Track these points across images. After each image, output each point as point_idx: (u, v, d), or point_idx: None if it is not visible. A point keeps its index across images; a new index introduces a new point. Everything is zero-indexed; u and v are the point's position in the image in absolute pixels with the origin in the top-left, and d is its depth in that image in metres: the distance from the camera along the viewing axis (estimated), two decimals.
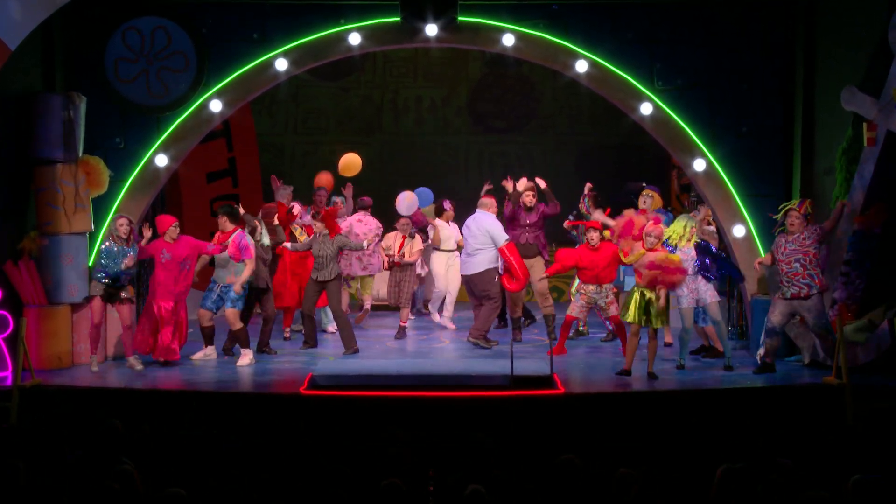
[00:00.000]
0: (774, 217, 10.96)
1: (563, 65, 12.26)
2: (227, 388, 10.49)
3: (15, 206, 11.50)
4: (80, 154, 11.60)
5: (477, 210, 12.47)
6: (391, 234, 13.43)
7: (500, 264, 12.34)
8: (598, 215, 11.99)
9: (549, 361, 10.15)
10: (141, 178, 12.11)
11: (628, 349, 10.74)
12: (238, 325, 11.64)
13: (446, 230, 13.66)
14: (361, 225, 13.58)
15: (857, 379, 9.94)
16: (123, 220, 11.19)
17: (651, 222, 10.77)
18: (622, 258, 10.94)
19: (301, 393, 9.98)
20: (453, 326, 13.71)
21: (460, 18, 12.05)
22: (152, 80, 12.11)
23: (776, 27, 12.17)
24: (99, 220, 11.85)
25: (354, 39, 12.12)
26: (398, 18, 12.02)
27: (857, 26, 11.16)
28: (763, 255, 11.36)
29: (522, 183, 12.77)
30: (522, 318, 12.99)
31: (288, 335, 13.11)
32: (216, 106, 12.15)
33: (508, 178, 12.92)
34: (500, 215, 12.57)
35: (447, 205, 13.87)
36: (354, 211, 13.89)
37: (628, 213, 11.39)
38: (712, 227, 12.09)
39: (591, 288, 11.58)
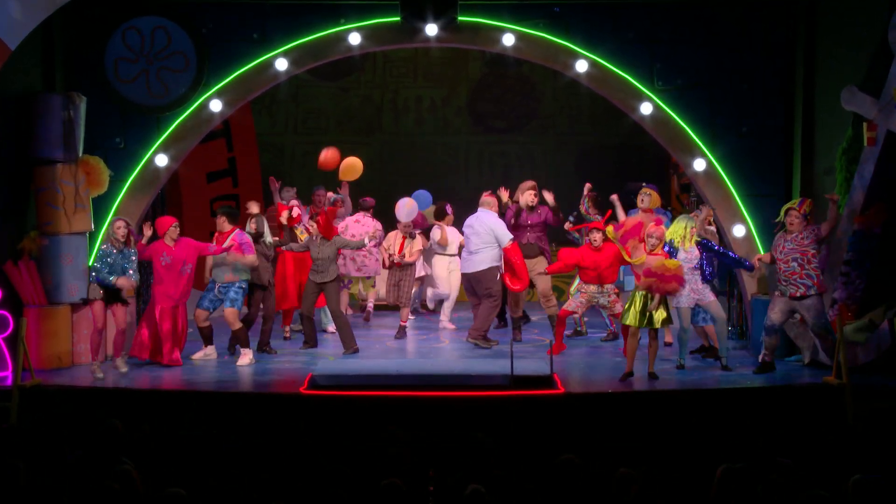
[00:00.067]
0: (776, 222, 10.96)
1: (564, 65, 12.26)
2: (227, 388, 10.49)
3: (15, 206, 11.50)
4: (80, 154, 11.60)
5: (479, 209, 12.47)
6: (392, 234, 13.43)
7: (500, 263, 12.33)
8: (620, 212, 12.05)
9: (549, 361, 10.15)
10: (141, 178, 12.11)
11: (628, 350, 10.73)
12: (237, 324, 11.63)
13: (439, 234, 13.63)
14: (359, 226, 13.58)
15: (857, 379, 9.94)
16: (121, 223, 11.15)
17: (653, 224, 10.76)
18: (625, 257, 10.93)
19: (301, 393, 9.97)
20: (453, 326, 13.71)
21: (460, 18, 12.05)
22: (152, 80, 12.11)
23: (777, 27, 12.17)
24: (99, 220, 11.85)
25: (354, 39, 12.13)
26: (398, 18, 12.02)
27: (858, 26, 11.16)
28: (764, 253, 11.35)
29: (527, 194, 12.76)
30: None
31: (288, 335, 13.11)
32: (216, 106, 12.15)
33: (502, 188, 12.93)
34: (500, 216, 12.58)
35: (449, 209, 13.87)
36: (355, 211, 13.90)
37: (639, 216, 11.41)
38: (712, 228, 12.08)
39: (593, 288, 11.57)
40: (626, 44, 12.19)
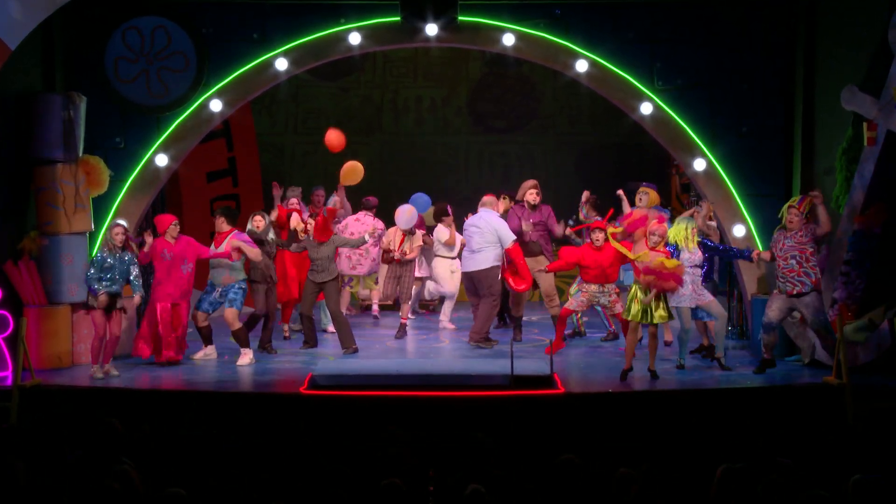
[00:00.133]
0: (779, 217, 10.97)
1: (564, 65, 12.26)
2: (227, 388, 10.49)
3: (15, 206, 11.50)
4: (80, 154, 11.60)
5: (481, 209, 12.45)
6: (391, 230, 13.41)
7: (500, 263, 12.32)
8: (626, 206, 12.09)
9: (549, 361, 10.15)
10: (141, 178, 12.11)
11: (627, 346, 10.74)
12: (237, 324, 11.63)
13: (445, 234, 13.60)
14: (359, 224, 13.60)
15: (857, 379, 9.94)
16: (119, 229, 11.10)
17: (655, 221, 10.76)
18: (627, 254, 10.93)
19: (301, 393, 9.97)
20: (453, 326, 13.71)
21: (460, 18, 12.05)
22: (152, 80, 12.11)
23: (777, 27, 12.17)
24: (99, 220, 11.86)
25: (354, 39, 12.13)
26: (398, 18, 12.02)
27: (858, 26, 11.16)
28: (763, 251, 11.34)
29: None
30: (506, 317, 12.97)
31: (287, 334, 13.11)
32: (216, 106, 12.15)
33: (504, 197, 12.93)
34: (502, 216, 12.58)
35: (449, 209, 13.86)
36: (358, 210, 13.91)
37: (644, 210, 11.41)
38: (713, 223, 12.10)
39: (594, 287, 11.56)
40: (626, 44, 12.19)
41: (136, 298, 11.16)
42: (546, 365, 10.16)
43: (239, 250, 11.54)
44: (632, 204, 12.32)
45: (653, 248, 10.57)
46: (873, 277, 10.83)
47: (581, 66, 12.13)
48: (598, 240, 11.48)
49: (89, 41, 12.09)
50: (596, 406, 9.77)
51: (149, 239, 11.44)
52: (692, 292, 10.88)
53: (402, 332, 13.14)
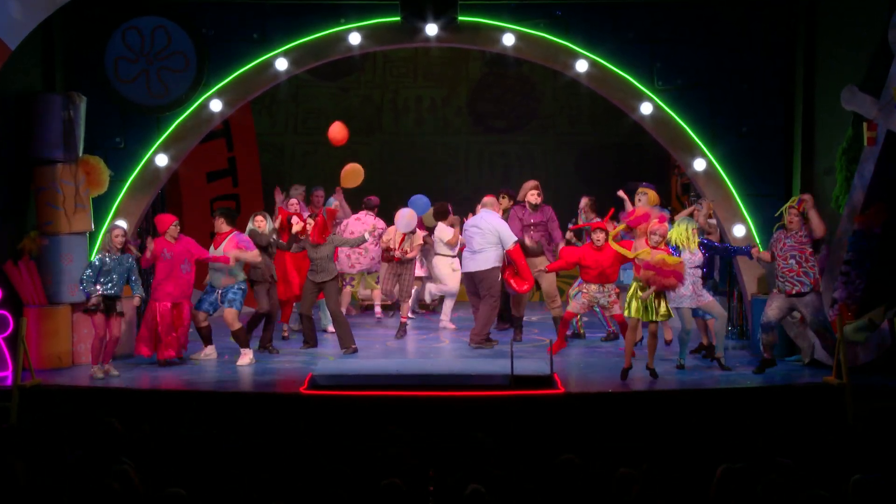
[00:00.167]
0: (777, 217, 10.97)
1: (564, 65, 12.27)
2: (227, 388, 10.48)
3: (15, 206, 11.50)
4: (80, 154, 11.60)
5: (482, 210, 12.43)
6: (391, 229, 13.39)
7: (501, 264, 12.31)
8: (628, 205, 12.07)
9: (549, 361, 10.14)
10: (141, 178, 12.12)
11: (626, 343, 10.75)
12: (236, 325, 11.63)
13: (448, 234, 13.60)
14: (359, 223, 13.60)
15: (857, 379, 9.94)
16: (119, 232, 11.07)
17: (656, 220, 10.75)
18: (625, 253, 10.92)
19: (301, 393, 9.97)
20: (453, 326, 13.70)
21: (460, 18, 12.05)
22: (152, 80, 12.11)
23: (777, 27, 12.17)
24: (99, 220, 11.86)
25: (354, 39, 12.13)
26: (398, 18, 12.02)
27: (858, 26, 11.16)
28: (763, 251, 11.33)
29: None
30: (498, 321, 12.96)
31: (286, 334, 13.11)
32: (216, 106, 12.15)
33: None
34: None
35: (450, 208, 13.87)
36: (359, 210, 13.91)
37: (647, 208, 11.40)
38: (713, 221, 12.10)
39: (594, 287, 11.56)
40: (626, 44, 12.19)
41: (136, 300, 11.17)
42: (546, 365, 10.16)
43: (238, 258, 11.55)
44: (632, 204, 12.31)
45: (654, 248, 10.57)
46: (873, 277, 10.83)
47: (581, 66, 12.13)
48: (598, 240, 11.48)
49: (89, 41, 12.10)
50: (596, 406, 9.77)
51: (150, 244, 11.40)
52: (692, 293, 10.87)
53: (402, 331, 13.14)
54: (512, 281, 12.18)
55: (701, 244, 11.04)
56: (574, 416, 9.53)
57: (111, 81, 12.10)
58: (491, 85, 17.56)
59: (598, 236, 11.48)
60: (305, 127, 17.61)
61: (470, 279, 12.40)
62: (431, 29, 12.01)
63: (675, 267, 10.44)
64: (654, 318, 10.53)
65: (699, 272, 11.01)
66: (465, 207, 13.71)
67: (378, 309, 14.51)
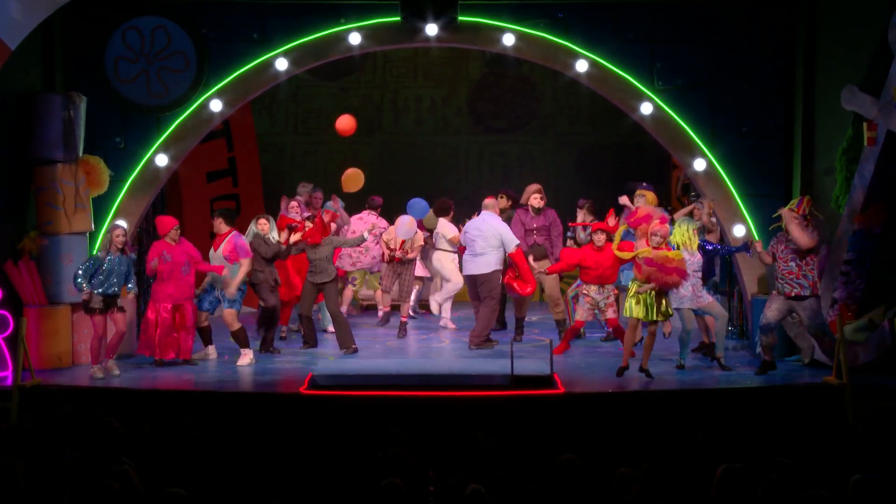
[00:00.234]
0: (776, 225, 10.94)
1: (564, 65, 12.26)
2: (227, 388, 10.49)
3: (15, 206, 11.50)
4: (80, 154, 11.60)
5: (483, 211, 12.42)
6: (392, 229, 13.40)
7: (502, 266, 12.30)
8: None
9: (549, 361, 10.14)
10: (141, 178, 12.11)
11: (625, 344, 10.75)
12: (236, 325, 11.62)
13: (452, 231, 13.59)
14: (361, 223, 13.60)
15: (857, 379, 9.94)
16: (120, 231, 11.07)
17: (657, 221, 10.75)
18: (625, 256, 10.92)
19: (301, 393, 9.97)
20: (454, 326, 13.70)
21: (460, 18, 12.05)
22: (152, 80, 12.11)
23: (777, 27, 12.17)
24: (99, 220, 11.85)
25: (354, 39, 12.13)
26: (398, 18, 12.02)
27: (858, 26, 11.16)
28: (762, 251, 11.29)
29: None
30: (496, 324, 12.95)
31: (284, 335, 13.10)
32: (216, 106, 12.15)
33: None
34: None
35: (451, 205, 13.86)
36: (363, 209, 13.92)
37: (648, 208, 11.42)
38: (714, 220, 12.10)
39: (594, 289, 11.57)
40: (626, 44, 12.19)
41: (130, 295, 11.16)
42: (546, 365, 10.16)
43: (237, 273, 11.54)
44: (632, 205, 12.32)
45: (655, 249, 10.56)
46: (873, 277, 10.83)
47: (581, 66, 12.13)
48: (599, 241, 11.49)
49: (89, 41, 12.09)
50: (596, 406, 9.77)
51: (154, 262, 11.30)
52: (692, 294, 10.87)
53: (402, 331, 13.14)
54: (514, 284, 12.16)
55: (700, 247, 11.02)
56: (574, 416, 9.53)
57: (111, 81, 12.10)
58: (491, 85, 17.56)
59: (600, 237, 11.48)
60: (305, 127, 17.61)
61: (471, 281, 12.39)
62: (431, 29, 12.01)
63: (678, 264, 10.44)
64: (654, 318, 10.53)
65: (699, 273, 11.00)
66: (465, 207, 13.71)
67: (381, 313, 14.44)
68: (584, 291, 11.67)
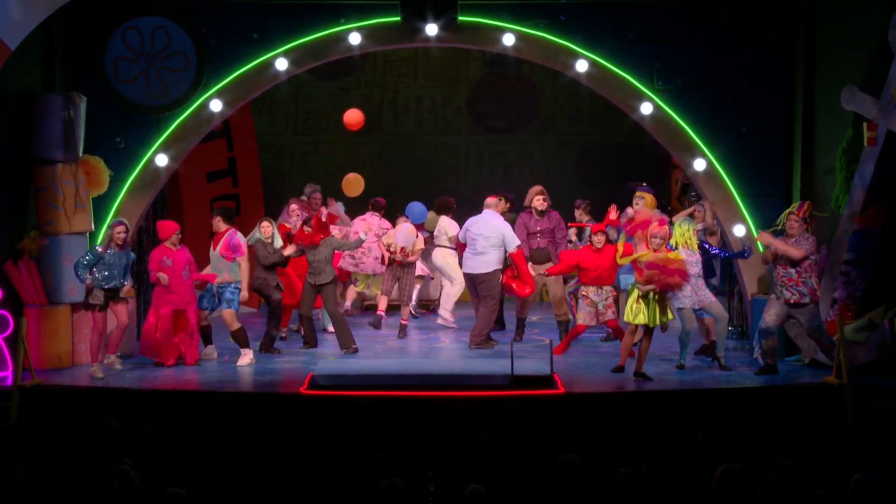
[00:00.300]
0: (776, 227, 10.92)
1: (564, 64, 12.27)
2: (227, 388, 10.48)
3: (15, 206, 11.50)
4: (80, 154, 11.60)
5: (485, 210, 12.40)
6: (392, 231, 13.40)
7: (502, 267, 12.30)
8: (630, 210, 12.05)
9: (549, 361, 10.14)
10: (141, 178, 12.12)
11: (623, 345, 10.76)
12: (235, 325, 11.62)
13: (454, 228, 13.57)
14: (363, 224, 13.59)
15: (857, 379, 9.94)
16: (121, 228, 11.09)
17: (657, 223, 10.75)
18: (624, 260, 10.92)
19: (301, 393, 9.97)
20: (455, 326, 13.69)
21: (460, 18, 12.05)
22: (152, 80, 12.11)
23: (777, 27, 12.17)
24: (99, 220, 11.85)
25: (354, 39, 12.13)
26: (398, 18, 12.02)
27: (858, 26, 11.16)
28: (763, 252, 11.30)
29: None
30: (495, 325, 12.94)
31: (283, 335, 13.09)
32: (216, 106, 12.15)
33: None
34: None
35: (452, 203, 13.86)
36: (366, 211, 13.93)
37: (647, 212, 11.41)
38: (714, 220, 12.11)
39: (592, 290, 11.57)
40: (626, 44, 12.20)
41: (127, 286, 11.16)
42: (546, 365, 10.16)
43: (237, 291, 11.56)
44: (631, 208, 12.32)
45: (655, 251, 10.56)
46: (873, 277, 10.83)
47: (581, 66, 12.13)
48: (598, 242, 11.49)
49: (89, 41, 12.10)
50: (596, 406, 9.77)
51: (160, 276, 11.28)
52: (693, 294, 10.87)
53: (402, 332, 13.14)
54: (513, 284, 12.14)
55: (700, 246, 11.02)
56: (574, 416, 9.53)
57: (111, 81, 12.10)
58: (491, 85, 17.57)
59: (599, 238, 11.48)
60: (305, 127, 17.62)
61: (471, 280, 12.38)
62: (431, 29, 12.01)
63: (679, 265, 10.43)
64: (655, 323, 10.52)
65: (699, 273, 10.99)
66: (465, 207, 13.70)
67: (383, 308, 14.43)
68: (584, 293, 11.67)
